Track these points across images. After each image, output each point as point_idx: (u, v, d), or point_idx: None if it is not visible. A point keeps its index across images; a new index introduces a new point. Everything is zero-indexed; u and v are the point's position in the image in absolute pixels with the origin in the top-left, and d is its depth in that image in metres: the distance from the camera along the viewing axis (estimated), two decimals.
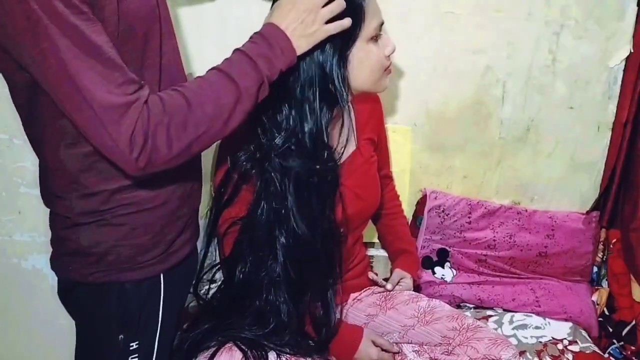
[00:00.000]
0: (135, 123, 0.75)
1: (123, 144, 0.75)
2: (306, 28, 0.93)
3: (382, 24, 1.09)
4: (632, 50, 1.49)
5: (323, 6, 0.94)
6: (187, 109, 0.81)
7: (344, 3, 0.97)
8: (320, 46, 0.98)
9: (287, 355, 1.11)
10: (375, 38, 1.07)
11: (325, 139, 1.07)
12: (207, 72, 0.88)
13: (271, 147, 1.06)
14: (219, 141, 1.14)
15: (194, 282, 1.15)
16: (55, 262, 0.96)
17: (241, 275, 1.13)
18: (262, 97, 0.90)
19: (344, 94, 1.05)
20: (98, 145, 0.78)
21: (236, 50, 0.90)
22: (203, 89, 0.84)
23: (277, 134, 1.05)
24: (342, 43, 1.03)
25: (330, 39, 0.98)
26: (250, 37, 0.92)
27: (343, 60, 1.04)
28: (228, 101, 0.84)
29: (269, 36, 0.90)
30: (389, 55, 1.11)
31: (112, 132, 0.75)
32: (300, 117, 1.04)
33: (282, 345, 1.12)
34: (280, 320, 1.12)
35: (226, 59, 0.89)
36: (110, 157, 0.78)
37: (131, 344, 0.93)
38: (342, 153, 1.15)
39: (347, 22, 0.98)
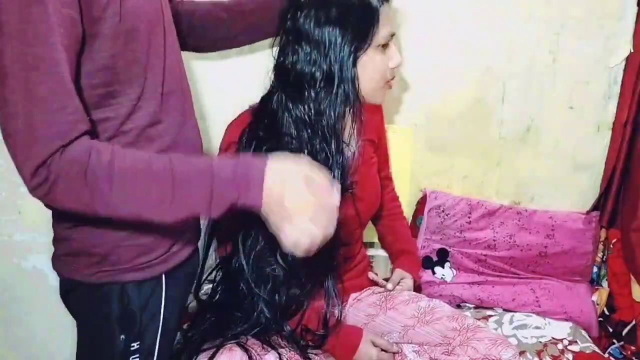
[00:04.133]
0: (52, 154, 0.71)
1: (29, 168, 0.72)
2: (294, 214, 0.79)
3: (393, 34, 1.09)
4: (632, 50, 1.49)
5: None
6: (104, 177, 0.74)
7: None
8: (339, 45, 0.98)
9: (288, 355, 1.11)
10: (383, 47, 1.07)
11: (334, 135, 1.07)
12: (162, 155, 0.79)
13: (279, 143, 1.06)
14: (223, 135, 1.15)
15: (195, 283, 1.15)
16: (57, 262, 0.96)
17: (240, 272, 1.13)
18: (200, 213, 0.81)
19: (357, 94, 1.05)
20: (11, 155, 0.74)
21: (208, 157, 0.84)
22: (137, 171, 0.76)
23: (292, 128, 1.06)
24: (359, 45, 1.02)
25: (349, 39, 0.99)
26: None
27: (356, 61, 1.04)
28: (151, 199, 0.76)
29: (248, 164, 0.80)
30: (393, 68, 1.11)
31: (27, 153, 0.71)
32: (317, 112, 1.04)
33: (282, 340, 1.13)
34: (278, 314, 1.12)
35: (189, 157, 0.81)
36: (18, 171, 0.75)
37: (132, 345, 0.93)
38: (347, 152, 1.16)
39: None
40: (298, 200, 0.78)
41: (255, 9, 1.17)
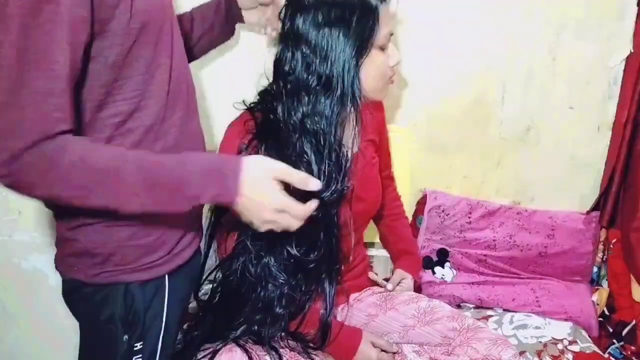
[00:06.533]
0: (27, 148, 0.71)
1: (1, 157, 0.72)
2: (260, 216, 0.85)
3: (391, 34, 1.09)
4: (632, 50, 1.49)
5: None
6: (81, 172, 0.75)
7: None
8: (339, 48, 0.98)
9: (288, 355, 1.11)
10: (383, 47, 1.07)
11: (334, 139, 1.06)
12: (141, 154, 0.81)
13: (279, 146, 1.06)
14: (224, 135, 1.15)
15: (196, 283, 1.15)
16: (60, 263, 0.96)
17: (241, 274, 1.13)
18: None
19: (358, 96, 1.05)
20: None
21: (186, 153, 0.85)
22: (110, 172, 0.77)
23: (291, 132, 1.05)
24: (360, 46, 1.02)
25: (350, 41, 0.98)
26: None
27: (358, 64, 1.04)
28: (123, 194, 0.79)
29: (226, 169, 0.83)
30: (393, 66, 1.11)
31: (3, 144, 0.71)
32: (315, 116, 1.04)
33: (282, 340, 1.13)
34: (278, 316, 1.12)
35: (169, 157, 0.82)
36: None
37: (135, 345, 0.93)
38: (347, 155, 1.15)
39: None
40: (265, 198, 0.84)
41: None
